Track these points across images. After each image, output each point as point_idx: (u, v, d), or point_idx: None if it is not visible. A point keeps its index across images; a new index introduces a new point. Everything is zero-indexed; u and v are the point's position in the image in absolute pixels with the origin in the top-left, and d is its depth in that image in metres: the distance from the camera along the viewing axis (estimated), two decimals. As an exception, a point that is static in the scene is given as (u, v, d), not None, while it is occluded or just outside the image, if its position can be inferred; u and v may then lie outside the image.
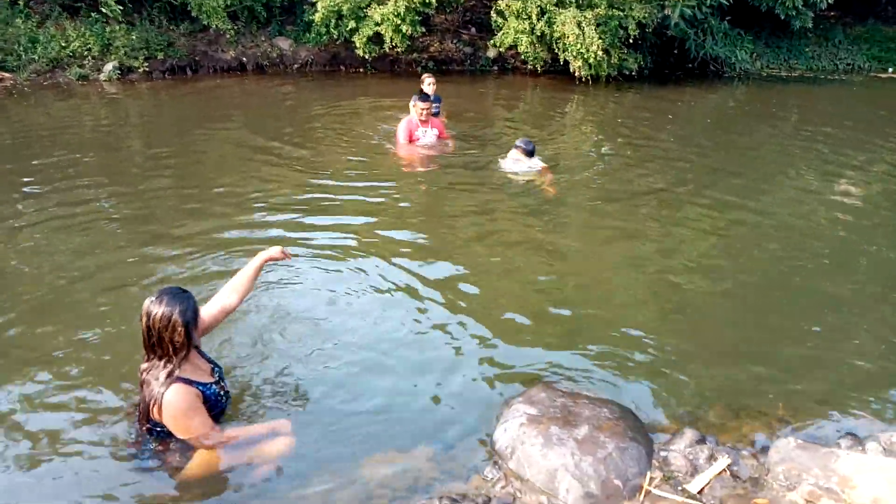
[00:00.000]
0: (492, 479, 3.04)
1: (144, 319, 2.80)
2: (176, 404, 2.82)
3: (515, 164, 7.22)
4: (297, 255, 3.64)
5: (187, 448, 2.94)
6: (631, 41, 12.63)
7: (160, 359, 2.85)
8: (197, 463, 2.93)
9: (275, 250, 3.55)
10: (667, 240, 5.73)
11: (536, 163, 7.29)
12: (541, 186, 6.95)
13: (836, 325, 4.54)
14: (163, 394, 2.81)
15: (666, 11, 12.78)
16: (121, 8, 12.48)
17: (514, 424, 3.22)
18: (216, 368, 3.17)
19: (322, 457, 3.14)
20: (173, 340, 2.82)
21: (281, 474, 3.01)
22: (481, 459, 3.19)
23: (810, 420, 3.56)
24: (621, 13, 12.16)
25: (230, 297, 3.36)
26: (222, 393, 3.12)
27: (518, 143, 7.28)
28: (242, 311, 4.29)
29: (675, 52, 14.53)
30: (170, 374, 2.84)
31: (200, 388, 2.94)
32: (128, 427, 3.21)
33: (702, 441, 3.21)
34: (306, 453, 3.13)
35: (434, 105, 8.69)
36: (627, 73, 13.08)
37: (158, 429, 2.93)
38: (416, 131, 7.97)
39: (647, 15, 12.32)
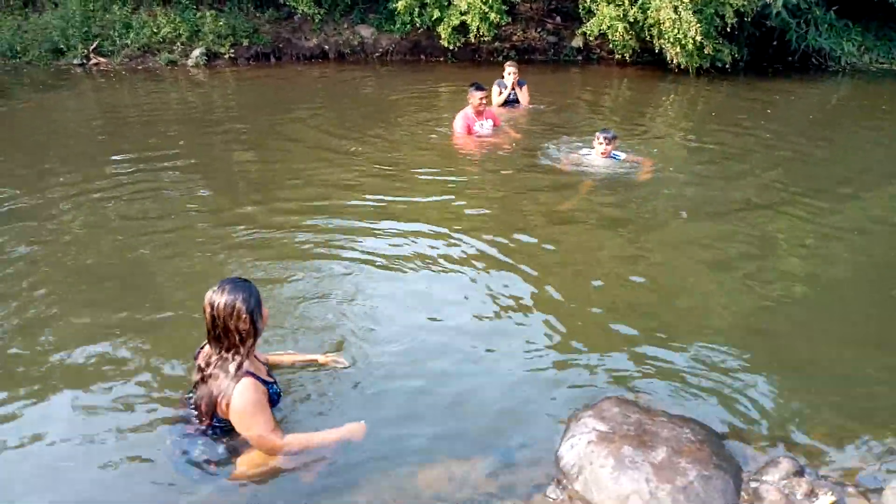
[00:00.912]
0: (555, 499, 2.74)
1: (208, 310, 2.70)
2: (246, 399, 2.70)
3: (598, 156, 6.84)
4: (347, 367, 3.44)
5: (246, 446, 2.80)
6: (727, 30, 11.89)
7: (227, 350, 2.74)
8: (250, 460, 2.78)
9: (323, 359, 3.46)
10: (759, 247, 5.21)
11: (619, 154, 6.91)
12: (637, 175, 6.64)
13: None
14: (234, 388, 2.69)
15: (767, 0, 12.01)
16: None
17: (581, 441, 2.91)
18: (269, 368, 3.08)
19: (375, 464, 2.93)
20: (239, 329, 2.71)
21: (332, 479, 2.82)
22: (544, 477, 2.89)
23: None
24: (716, 1, 11.46)
25: (283, 359, 3.42)
26: (279, 391, 3.01)
27: (599, 133, 6.88)
28: (310, 296, 4.18)
29: (775, 43, 13.62)
30: (239, 367, 2.73)
31: (264, 385, 2.82)
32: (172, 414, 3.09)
33: (800, 473, 2.82)
34: (360, 459, 2.92)
35: (519, 85, 8.90)
36: (721, 65, 12.33)
37: (220, 425, 2.80)
38: (473, 125, 7.72)
39: (745, 3, 11.57)
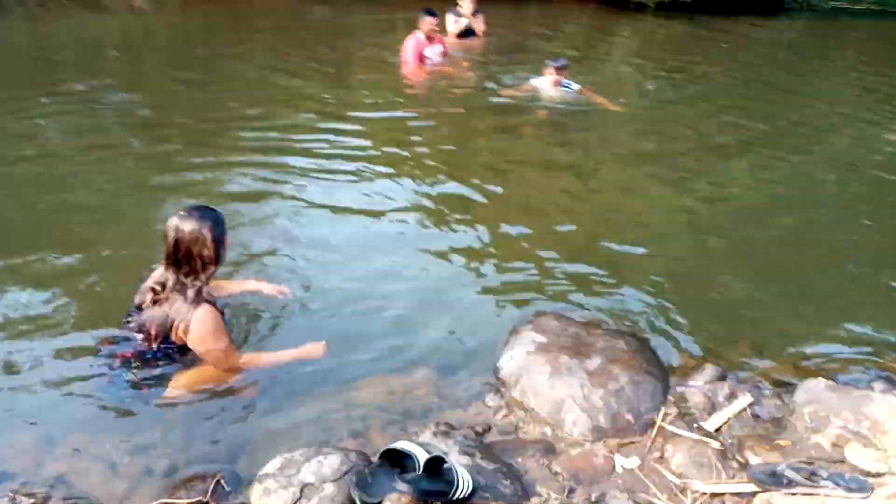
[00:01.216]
0: (493, 406, 2.85)
1: (171, 234, 2.65)
2: (208, 324, 2.68)
3: (549, 85, 6.83)
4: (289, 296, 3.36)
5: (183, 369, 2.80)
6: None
7: (187, 276, 2.69)
8: (188, 377, 2.78)
9: (268, 289, 3.30)
10: (705, 179, 5.37)
11: (574, 84, 6.89)
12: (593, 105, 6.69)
13: (881, 271, 4.21)
14: (193, 313, 2.66)
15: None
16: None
17: (520, 352, 3.02)
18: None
19: (318, 377, 2.98)
20: (202, 255, 2.67)
21: (274, 392, 2.87)
22: (484, 386, 3.00)
23: (843, 364, 3.30)
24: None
25: (233, 288, 3.32)
26: (227, 318, 3.00)
27: (549, 62, 6.85)
28: (257, 231, 4.17)
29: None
30: (198, 292, 2.70)
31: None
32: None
33: (722, 378, 2.99)
34: (301, 374, 2.97)
35: (476, 12, 8.69)
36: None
37: (168, 348, 2.76)
38: (423, 50, 7.60)
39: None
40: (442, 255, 4.06)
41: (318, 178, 4.93)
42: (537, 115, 6.47)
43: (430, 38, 7.60)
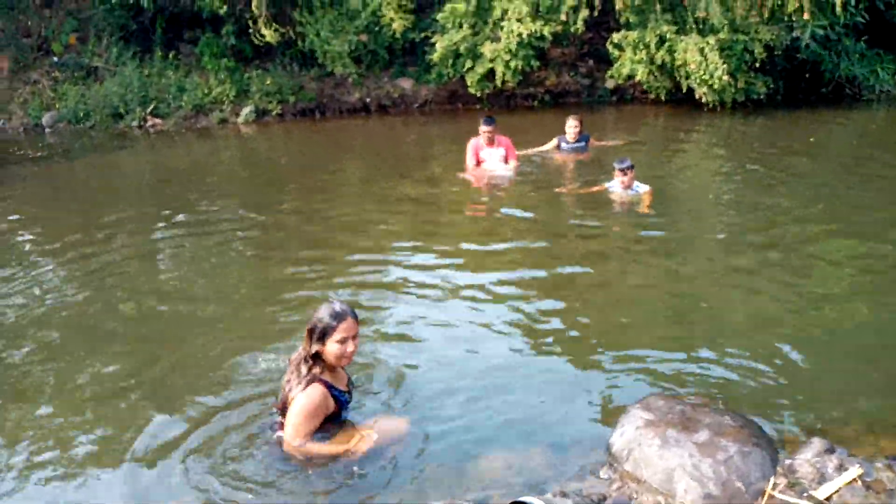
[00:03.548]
0: (607, 479, 3.01)
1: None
2: (306, 400, 3.01)
3: (618, 188, 7.11)
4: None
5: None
6: (758, 65, 12.19)
7: (307, 354, 3.09)
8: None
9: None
10: (798, 270, 5.40)
11: (642, 187, 7.10)
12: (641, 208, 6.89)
13: None
14: (301, 390, 3.02)
15: (795, 33, 12.29)
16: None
17: (630, 428, 3.19)
18: (350, 381, 3.41)
19: (439, 453, 3.22)
20: (311, 336, 3.07)
21: (397, 466, 3.11)
22: (597, 462, 3.17)
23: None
24: (746, 37, 11.80)
25: None
26: (349, 401, 3.31)
27: (615, 164, 7.12)
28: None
29: (807, 75, 13.87)
30: (310, 370, 3.08)
31: (336, 393, 3.14)
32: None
33: (831, 451, 3.05)
34: (424, 449, 3.22)
35: (580, 144, 9.14)
36: (756, 97, 12.57)
37: None
38: (480, 151, 8.35)
39: (774, 37, 11.89)
40: (540, 349, 4.31)
41: (419, 287, 5.28)
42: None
43: (489, 142, 8.32)
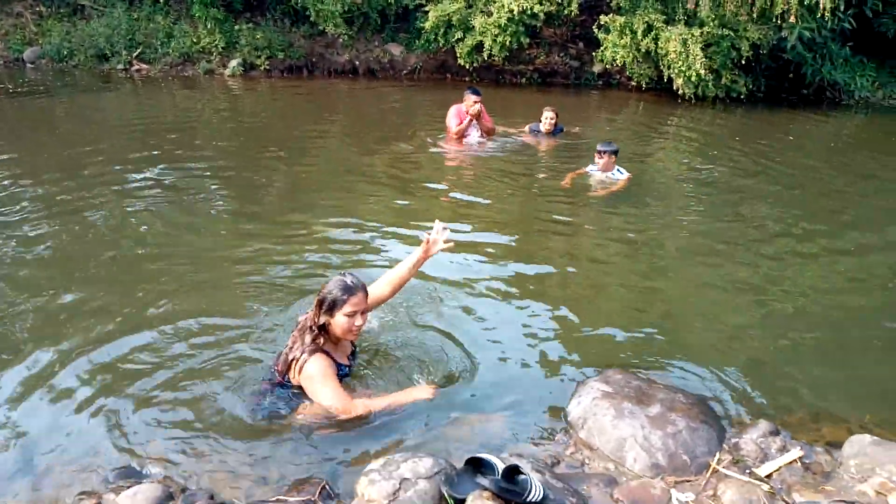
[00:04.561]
0: (562, 444, 3.16)
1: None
2: (314, 371, 3.06)
3: (599, 170, 7.21)
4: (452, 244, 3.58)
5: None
6: (743, 62, 12.36)
7: (314, 324, 3.14)
8: (309, 410, 3.14)
9: (428, 248, 3.49)
10: (762, 262, 5.55)
11: (624, 173, 7.21)
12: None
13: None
14: (305, 359, 3.08)
15: (783, 34, 12.46)
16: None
17: (587, 398, 3.34)
18: (353, 350, 3.47)
19: (402, 415, 3.32)
20: (319, 309, 3.12)
21: (364, 428, 3.21)
22: (554, 428, 3.31)
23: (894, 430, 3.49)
24: (734, 33, 11.95)
25: (384, 289, 3.53)
26: (348, 374, 3.37)
27: (599, 146, 7.21)
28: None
29: (791, 76, 14.09)
30: (314, 340, 3.13)
31: (335, 364, 3.19)
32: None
33: (775, 433, 3.23)
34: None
35: (554, 134, 9.15)
36: (735, 95, 12.78)
37: (289, 385, 3.20)
38: (464, 118, 8.37)
39: (762, 36, 12.05)
40: (511, 325, 4.39)
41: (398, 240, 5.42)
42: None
43: (476, 114, 8.38)
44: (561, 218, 6.33)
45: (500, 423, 3.37)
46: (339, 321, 3.10)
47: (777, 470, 2.97)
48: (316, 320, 3.13)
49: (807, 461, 3.06)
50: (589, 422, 3.20)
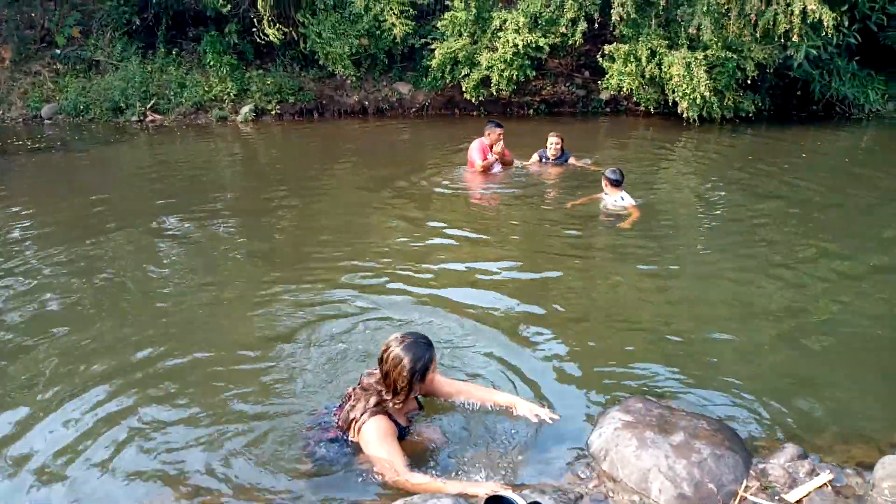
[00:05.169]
0: (585, 477, 3.11)
1: (383, 350, 3.08)
2: (373, 433, 3.03)
3: (607, 197, 7.20)
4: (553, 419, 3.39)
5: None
6: (749, 82, 12.37)
7: (381, 386, 3.10)
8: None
9: (524, 408, 3.37)
10: (779, 283, 5.49)
11: (627, 199, 7.16)
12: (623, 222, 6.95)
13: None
14: (366, 420, 3.06)
15: (789, 52, 12.46)
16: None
17: (608, 429, 3.30)
18: (418, 413, 3.43)
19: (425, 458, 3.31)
20: (396, 382, 3.04)
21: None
22: (575, 461, 3.27)
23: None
24: (738, 55, 11.97)
25: (458, 396, 3.50)
26: (408, 432, 3.31)
27: (606, 173, 7.23)
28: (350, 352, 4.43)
29: (798, 93, 14.07)
30: (378, 404, 3.09)
31: (395, 425, 3.16)
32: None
33: (803, 456, 3.16)
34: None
35: (560, 161, 9.19)
36: (744, 114, 12.76)
37: (348, 442, 3.18)
38: (488, 153, 8.45)
39: (767, 56, 12.06)
40: (530, 355, 4.37)
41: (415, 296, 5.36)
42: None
43: (493, 147, 8.45)
44: (574, 250, 6.32)
45: (520, 456, 3.33)
46: (415, 390, 3.13)
47: (807, 495, 2.90)
48: (392, 389, 3.06)
49: (837, 484, 3.00)
50: (611, 453, 3.15)
